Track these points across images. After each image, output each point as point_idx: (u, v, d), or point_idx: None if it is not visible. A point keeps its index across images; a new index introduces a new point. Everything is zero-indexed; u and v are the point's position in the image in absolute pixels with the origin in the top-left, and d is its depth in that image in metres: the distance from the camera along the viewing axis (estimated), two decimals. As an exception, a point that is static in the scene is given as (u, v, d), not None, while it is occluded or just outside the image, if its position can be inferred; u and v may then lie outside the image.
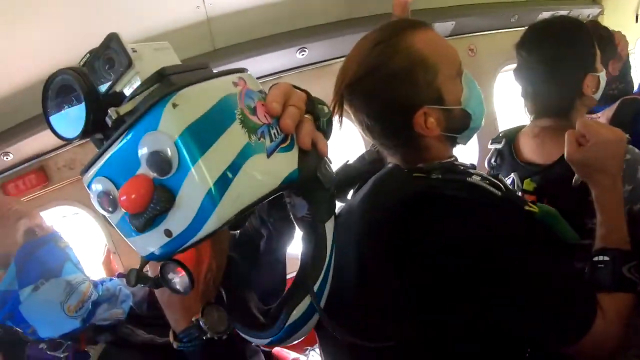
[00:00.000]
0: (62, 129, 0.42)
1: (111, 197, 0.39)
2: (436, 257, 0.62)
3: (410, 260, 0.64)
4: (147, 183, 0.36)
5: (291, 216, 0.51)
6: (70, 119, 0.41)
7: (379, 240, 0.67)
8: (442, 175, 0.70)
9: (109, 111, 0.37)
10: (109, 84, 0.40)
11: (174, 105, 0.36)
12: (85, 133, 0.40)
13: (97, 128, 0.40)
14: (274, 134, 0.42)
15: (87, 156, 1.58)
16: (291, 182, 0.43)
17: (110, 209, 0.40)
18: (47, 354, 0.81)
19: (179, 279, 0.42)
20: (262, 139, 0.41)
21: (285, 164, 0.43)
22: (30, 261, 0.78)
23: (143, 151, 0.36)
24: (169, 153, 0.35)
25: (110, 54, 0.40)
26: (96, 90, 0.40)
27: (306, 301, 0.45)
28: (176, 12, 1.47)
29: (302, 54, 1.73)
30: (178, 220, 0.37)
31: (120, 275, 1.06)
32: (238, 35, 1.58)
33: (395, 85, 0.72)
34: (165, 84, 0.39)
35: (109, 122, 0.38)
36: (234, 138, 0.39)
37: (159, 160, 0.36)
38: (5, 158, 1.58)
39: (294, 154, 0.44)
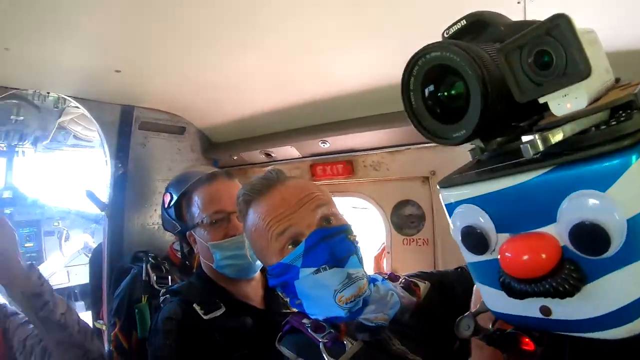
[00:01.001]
0: (426, 119, 0.34)
1: (483, 237, 0.31)
2: None
3: None
4: (556, 250, 0.27)
5: None
6: (441, 109, 0.34)
7: None
8: None
9: (535, 136, 0.27)
10: (531, 86, 0.29)
11: None
12: (467, 137, 0.31)
13: (485, 133, 0.31)
14: None
15: (394, 163, 1.78)
16: None
17: (473, 246, 0.32)
18: (308, 331, 0.85)
19: (524, 349, 0.39)
20: None
21: None
22: (320, 246, 0.83)
23: (568, 213, 0.27)
24: (611, 231, 0.25)
25: (548, 46, 0.27)
26: (499, 86, 0.29)
27: None
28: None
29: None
30: (571, 307, 0.28)
31: (391, 276, 1.04)
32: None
33: None
34: (630, 123, 0.26)
35: (527, 149, 0.27)
36: None
37: (593, 234, 0.26)
38: (322, 145, 1.94)
39: None
